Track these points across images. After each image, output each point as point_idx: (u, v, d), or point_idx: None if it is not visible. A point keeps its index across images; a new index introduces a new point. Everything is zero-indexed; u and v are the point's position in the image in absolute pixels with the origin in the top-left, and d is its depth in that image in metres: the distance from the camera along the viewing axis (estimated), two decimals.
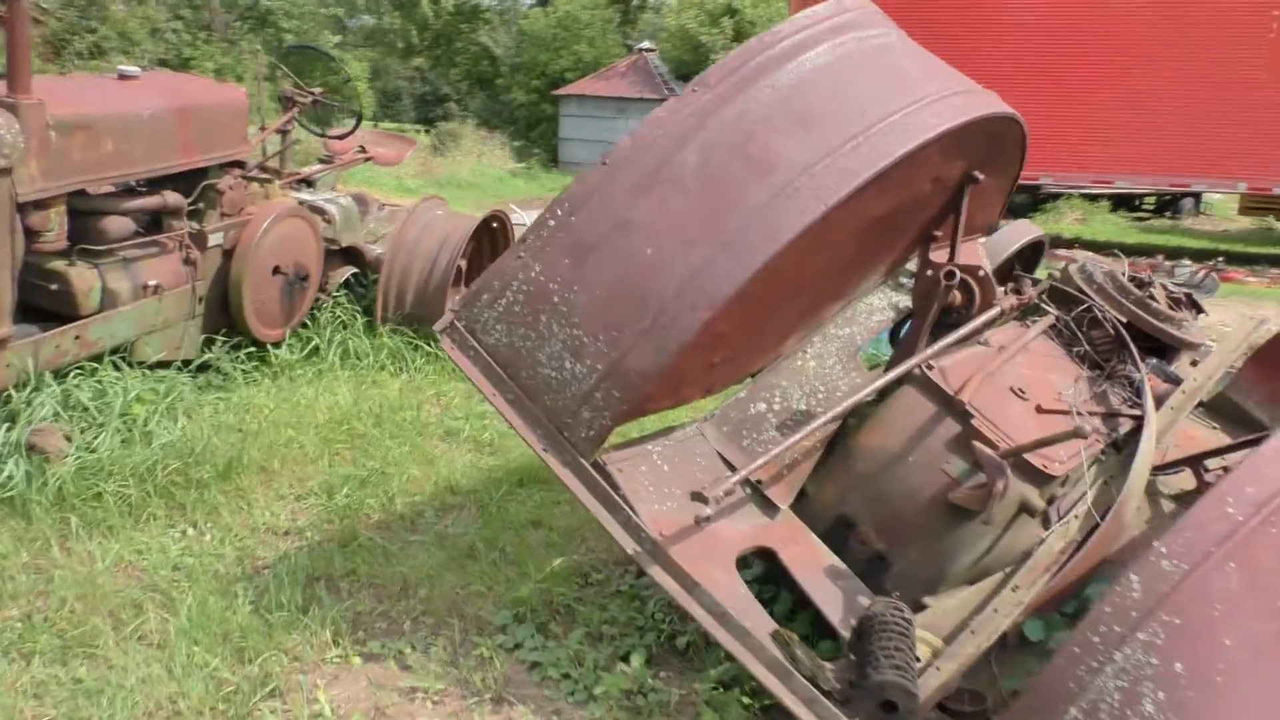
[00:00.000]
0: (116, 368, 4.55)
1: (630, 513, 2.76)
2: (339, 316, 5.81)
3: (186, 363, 4.97)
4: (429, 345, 5.79)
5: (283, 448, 4.40)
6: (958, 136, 2.92)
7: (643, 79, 28.74)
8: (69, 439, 4.06)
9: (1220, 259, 10.18)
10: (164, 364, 4.82)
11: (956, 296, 3.23)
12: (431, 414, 5.12)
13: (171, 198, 4.82)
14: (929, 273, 3.36)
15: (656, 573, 2.70)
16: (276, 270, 5.33)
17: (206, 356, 5.17)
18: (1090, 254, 5.09)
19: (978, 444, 2.83)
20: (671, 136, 2.77)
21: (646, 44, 30.60)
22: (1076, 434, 2.66)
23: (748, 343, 3.11)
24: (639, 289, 2.70)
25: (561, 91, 29.49)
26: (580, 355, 2.75)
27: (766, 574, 3.23)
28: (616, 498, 2.78)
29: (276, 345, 5.51)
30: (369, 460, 4.41)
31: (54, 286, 4.35)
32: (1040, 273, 4.26)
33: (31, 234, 4.12)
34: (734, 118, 2.75)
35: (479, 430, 4.88)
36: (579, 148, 29.22)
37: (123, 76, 4.77)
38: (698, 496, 2.67)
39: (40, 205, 4.09)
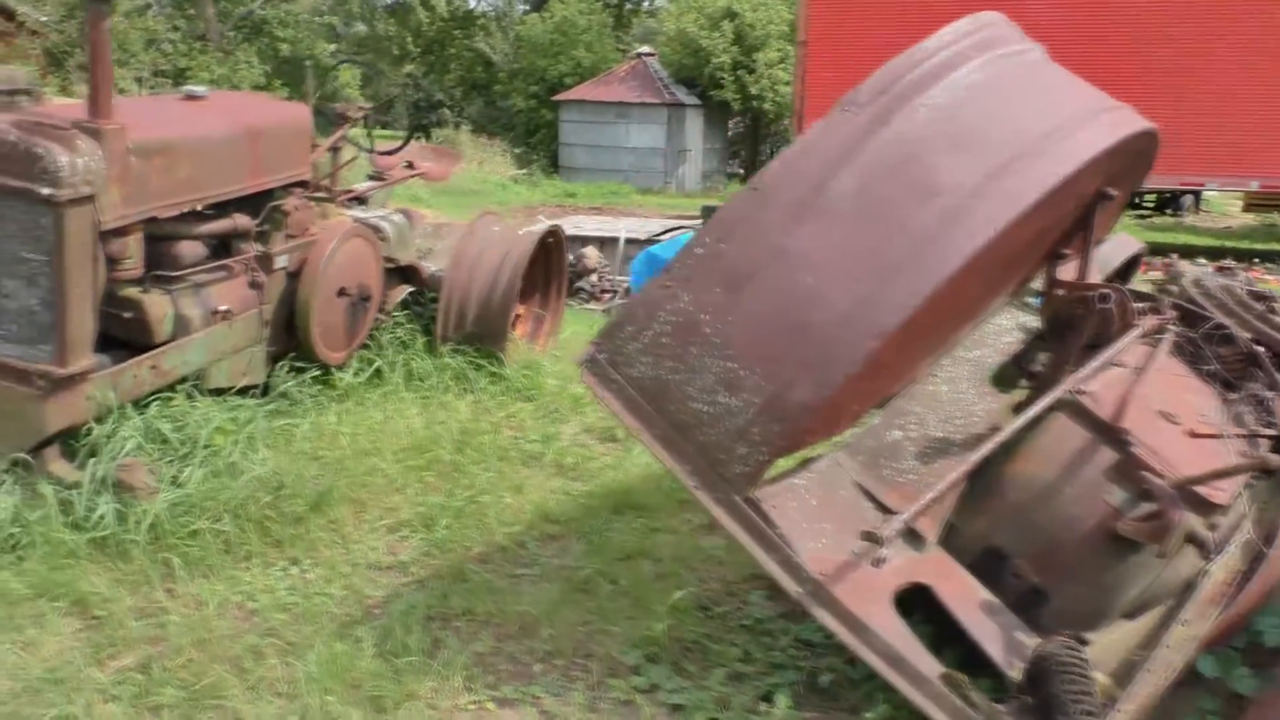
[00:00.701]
0: (189, 396, 4.43)
1: (789, 552, 2.66)
2: (399, 337, 5.69)
3: (251, 388, 4.85)
4: (491, 364, 5.68)
5: (367, 476, 4.27)
6: (1108, 154, 2.83)
7: (643, 83, 28.69)
8: (152, 473, 3.94)
9: (1256, 260, 10.15)
10: (231, 390, 4.70)
11: (1102, 317, 3.14)
12: (506, 437, 5.00)
13: (241, 220, 4.70)
14: (1061, 292, 3.28)
15: (822, 615, 2.60)
16: (342, 292, 5.21)
17: (271, 381, 5.05)
18: (1188, 264, 5.02)
19: (1146, 474, 2.74)
20: (825, 160, 2.66)
21: (646, 48, 30.54)
22: (1264, 465, 2.57)
23: (897, 370, 3.02)
24: (799, 319, 2.60)
25: (561, 97, 29.41)
26: (735, 388, 2.64)
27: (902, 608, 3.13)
28: (774, 536, 2.67)
29: (340, 368, 5.39)
30: (457, 488, 4.29)
31: (128, 314, 4.22)
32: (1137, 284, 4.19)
33: (110, 262, 3.99)
34: (891, 140, 2.65)
35: (560, 454, 4.77)
36: (580, 153, 29.15)
37: (190, 97, 4.64)
38: (870, 537, 2.57)
39: (120, 233, 3.96)
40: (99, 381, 3.97)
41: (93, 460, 3.85)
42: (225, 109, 4.70)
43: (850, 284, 2.57)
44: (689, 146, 29.03)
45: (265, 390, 5.00)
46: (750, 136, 32.84)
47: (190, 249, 4.48)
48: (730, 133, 32.40)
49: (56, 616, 3.21)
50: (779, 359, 2.61)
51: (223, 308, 4.60)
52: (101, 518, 3.61)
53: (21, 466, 3.83)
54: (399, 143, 6.55)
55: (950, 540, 3.03)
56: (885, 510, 3.01)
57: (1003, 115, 2.74)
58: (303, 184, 5.18)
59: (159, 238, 4.32)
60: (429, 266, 6.06)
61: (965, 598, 2.85)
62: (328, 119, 6.11)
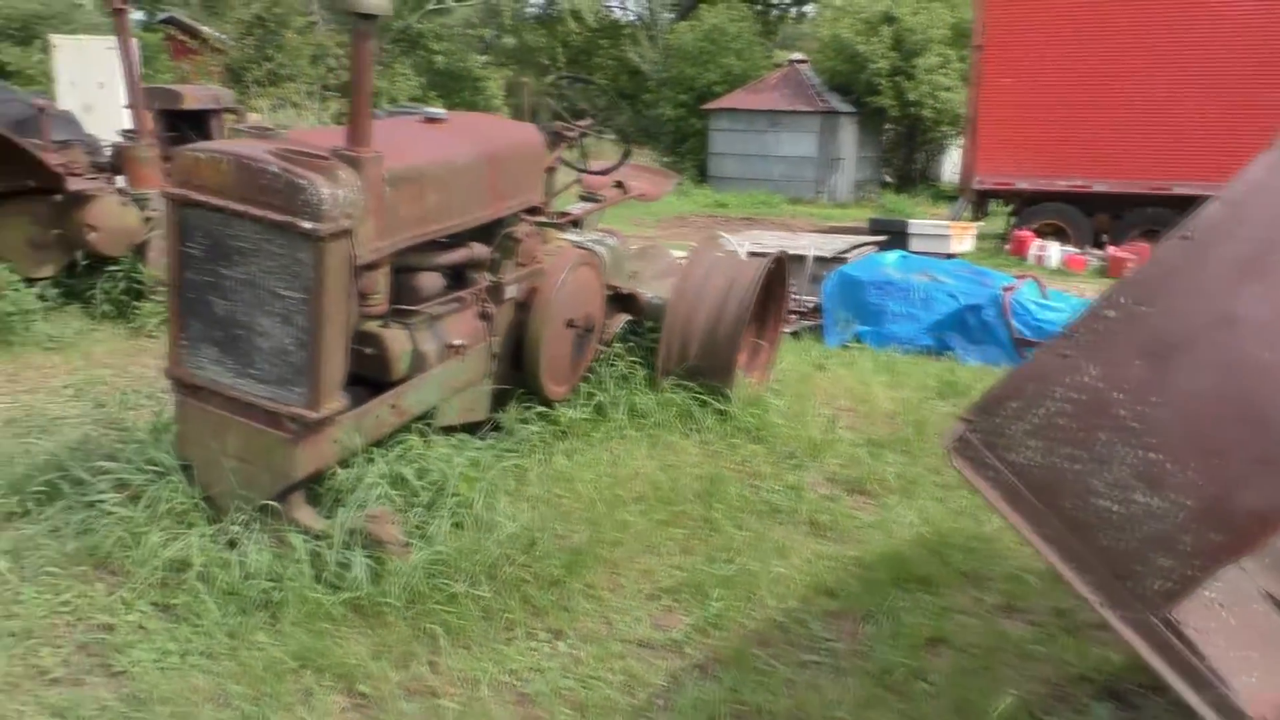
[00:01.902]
0: (423, 436, 4.19)
1: (1225, 691, 2.14)
2: (619, 370, 5.35)
3: (476, 425, 4.60)
4: (716, 401, 5.28)
5: (616, 533, 3.92)
6: None
7: (795, 91, 28.00)
8: (396, 523, 3.67)
9: None
10: (456, 428, 4.45)
11: None
12: (746, 485, 4.59)
13: (478, 249, 4.44)
14: None
15: None
16: (570, 323, 4.90)
17: (495, 417, 4.78)
18: None
19: None
20: None
21: (798, 55, 29.86)
22: None
23: None
24: (1252, 404, 2.08)
25: (711, 105, 28.99)
26: (1159, 485, 2.14)
27: None
28: (1204, 670, 2.15)
29: (561, 402, 5.08)
30: (715, 550, 3.89)
31: (367, 350, 3.99)
32: None
33: (360, 298, 3.76)
34: None
35: (815, 510, 4.32)
36: (730, 162, 28.70)
37: (429, 120, 4.41)
38: None
39: (371, 266, 3.73)
40: (344, 424, 3.74)
41: (340, 509, 3.62)
42: (466, 133, 4.45)
43: None
44: (842, 155, 28.20)
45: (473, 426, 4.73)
46: (905, 144, 31.75)
47: (430, 281, 4.24)
48: (883, 140, 31.38)
49: (324, 693, 2.95)
50: (1223, 452, 2.09)
51: (457, 341, 4.33)
52: (355, 577, 3.35)
53: (269, 514, 3.64)
54: (612, 162, 6.24)
55: None
56: None
57: None
58: (533, 210, 4.90)
59: (400, 269, 4.08)
60: (646, 294, 5.71)
61: None
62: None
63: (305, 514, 3.69)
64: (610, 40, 40.16)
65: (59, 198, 7.02)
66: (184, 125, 8.51)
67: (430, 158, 4.00)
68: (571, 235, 5.67)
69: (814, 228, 21.39)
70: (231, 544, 3.59)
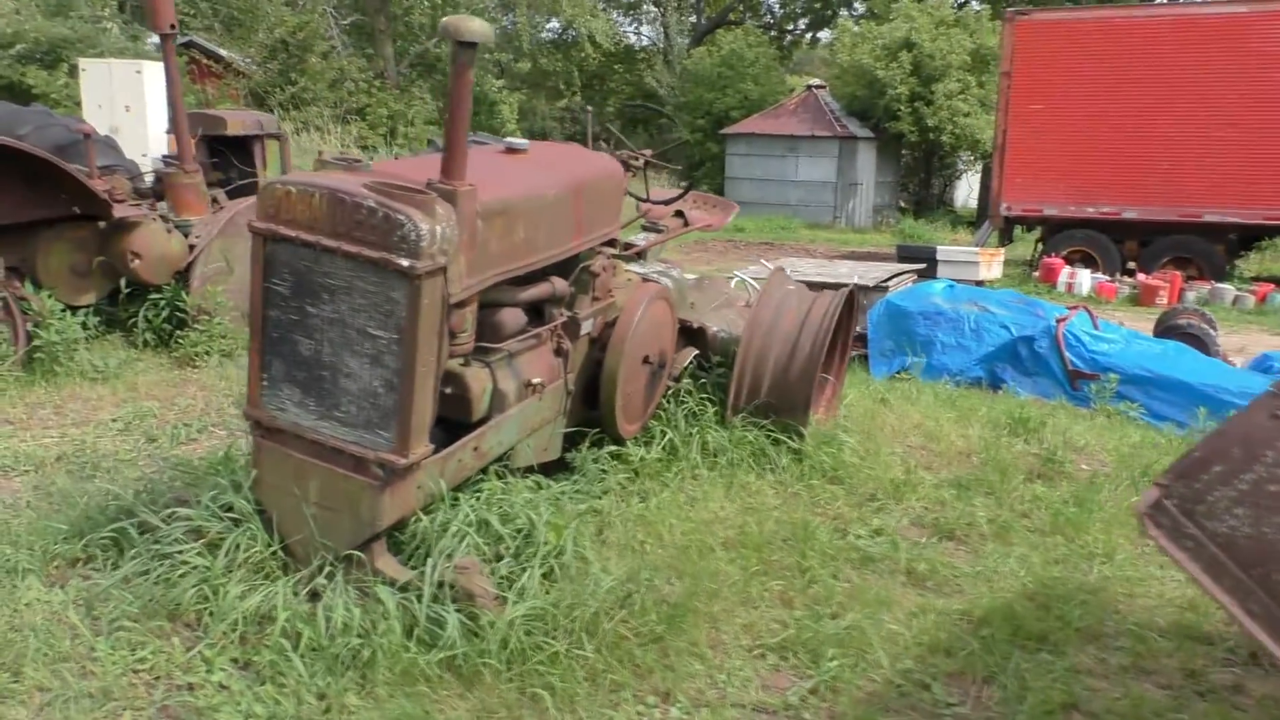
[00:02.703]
0: (501, 478, 4.01)
1: None
2: (690, 407, 5.17)
3: (543, 466, 4.42)
4: (789, 440, 5.09)
5: (710, 583, 3.73)
6: None
7: (814, 117, 27.98)
8: (483, 574, 3.49)
9: None
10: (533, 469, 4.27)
11: None
12: (830, 529, 4.39)
13: (559, 284, 4.28)
14: None
15: None
16: (645, 359, 4.73)
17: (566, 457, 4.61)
18: None
19: None
20: None
21: (816, 81, 29.87)
22: None
23: None
24: None
25: (729, 130, 28.99)
26: None
27: None
28: None
29: (632, 440, 4.90)
30: (817, 604, 3.70)
31: (447, 389, 3.81)
32: None
33: (450, 337, 3.59)
34: None
35: (910, 559, 4.12)
36: (747, 187, 28.64)
37: (510, 150, 4.26)
38: None
39: (461, 304, 3.56)
40: (429, 468, 3.56)
41: (426, 558, 3.44)
42: (551, 163, 4.29)
43: None
44: (860, 180, 28.15)
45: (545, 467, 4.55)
46: (922, 169, 31.71)
47: (513, 317, 4.07)
48: (900, 166, 31.34)
49: None
50: None
51: (535, 380, 4.16)
52: (450, 636, 3.16)
53: (352, 563, 3.46)
54: (675, 191, 6.09)
55: None
56: None
57: None
58: (610, 242, 4.74)
59: (482, 305, 3.91)
60: (712, 327, 5.54)
61: None
62: None
63: (389, 564, 3.51)
64: (625, 65, 40.31)
65: (102, 225, 6.88)
66: (227, 151, 8.40)
67: (520, 190, 3.84)
68: (638, 267, 5.52)
69: (834, 253, 21.28)
70: (313, 595, 3.42)
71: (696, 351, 5.49)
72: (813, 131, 27.70)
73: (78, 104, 14.68)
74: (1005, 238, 18.12)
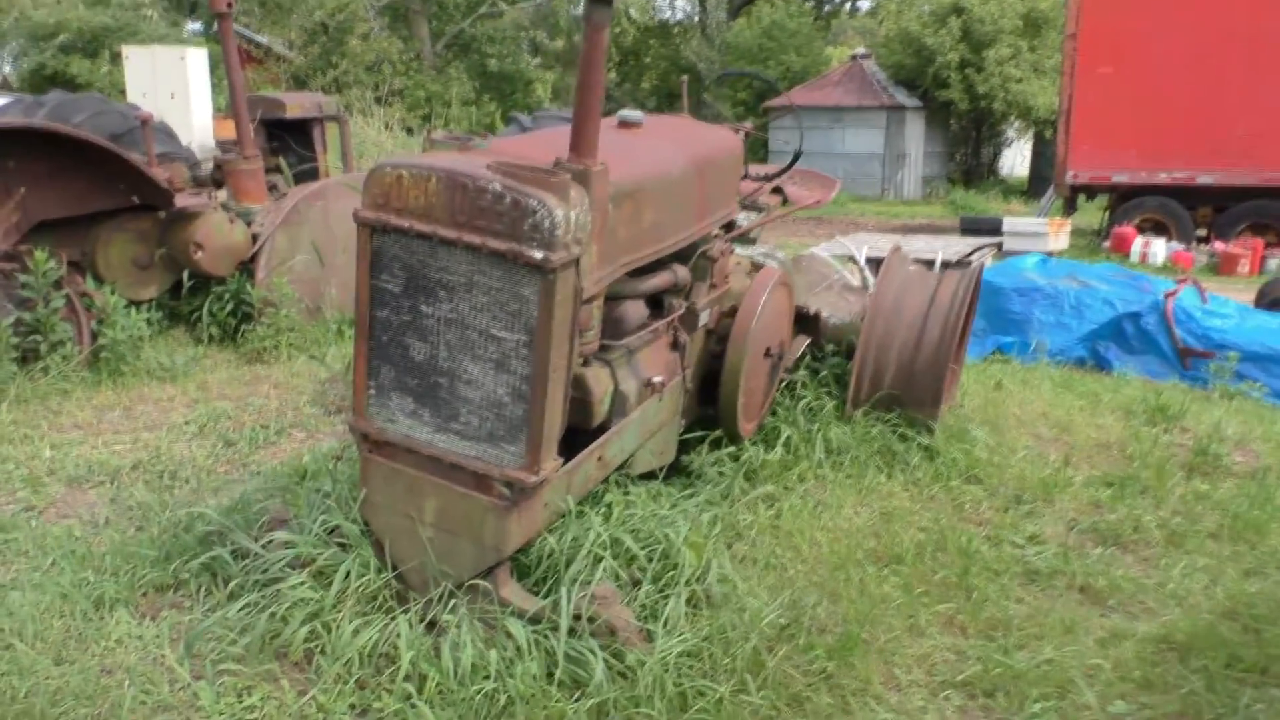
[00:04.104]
0: (622, 488, 3.62)
1: None
2: (806, 400, 4.74)
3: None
4: (917, 435, 4.65)
5: (865, 606, 3.31)
6: None
7: (860, 87, 27.26)
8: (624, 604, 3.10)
9: None
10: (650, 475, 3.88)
11: None
12: (979, 539, 3.96)
13: (680, 273, 3.86)
14: None
15: None
16: (767, 352, 4.31)
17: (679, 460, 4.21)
18: None
19: None
20: None
21: (861, 50, 29.10)
22: None
23: None
24: None
25: (772, 103, 28.29)
26: None
27: None
28: None
29: (749, 440, 4.48)
30: (987, 628, 3.28)
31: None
32: None
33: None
34: None
35: (1085, 573, 3.68)
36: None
37: (624, 124, 3.83)
38: None
39: (589, 299, 3.15)
40: (555, 484, 3.17)
41: (559, 587, 3.05)
42: (671, 139, 3.85)
43: None
44: (908, 151, 27.43)
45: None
46: (972, 138, 30.85)
47: (635, 311, 3.67)
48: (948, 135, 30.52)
49: None
50: None
51: (656, 379, 3.74)
52: (598, 680, 2.77)
53: (477, 593, 3.08)
54: (779, 165, 5.64)
55: None
56: None
57: None
58: (729, 225, 4.31)
59: (606, 299, 3.50)
60: (824, 313, 5.10)
61: None
62: None
63: (516, 592, 3.12)
64: (660, 40, 39.62)
65: (162, 215, 6.55)
66: (286, 135, 8.04)
67: (647, 169, 3.41)
68: (745, 250, 5.08)
69: (886, 226, 20.69)
70: (429, 625, 3.05)
71: (809, 340, 5.05)
72: (859, 102, 27.03)
73: (121, 92, 14.44)
74: (1070, 207, 17.42)
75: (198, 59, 15.36)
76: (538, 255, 2.76)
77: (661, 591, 3.14)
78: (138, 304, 6.35)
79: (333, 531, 3.26)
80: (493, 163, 2.87)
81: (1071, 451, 4.99)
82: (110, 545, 3.72)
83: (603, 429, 3.50)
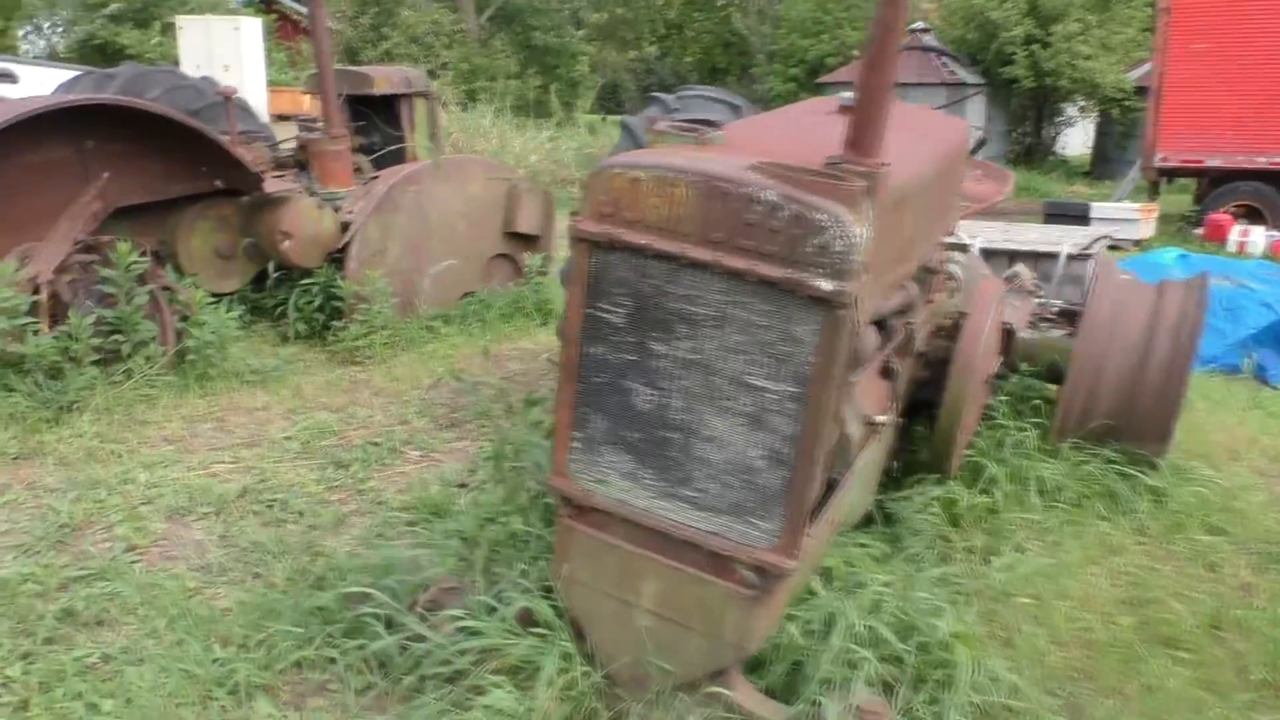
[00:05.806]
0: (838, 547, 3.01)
1: None
2: (1009, 429, 4.10)
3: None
4: (1141, 473, 4.00)
5: (1134, 699, 2.69)
6: None
7: (919, 63, 26.20)
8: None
9: None
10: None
11: None
12: (1244, 605, 3.31)
13: (913, 290, 3.21)
14: None
15: None
16: (987, 379, 3.67)
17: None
18: None
19: None
20: None
21: (920, 24, 28.08)
22: None
23: None
24: None
25: (826, 79, 27.37)
26: None
27: None
28: None
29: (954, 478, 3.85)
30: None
31: None
32: None
33: None
34: None
35: None
36: None
37: (847, 109, 3.16)
38: None
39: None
40: (814, 548, 2.55)
41: (802, 690, 2.45)
42: (910, 129, 3.19)
43: None
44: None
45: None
46: (1032, 116, 29.79)
47: (872, 339, 3.02)
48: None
49: None
50: None
51: (878, 418, 3.10)
52: None
53: (703, 696, 2.48)
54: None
55: None
56: None
57: None
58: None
59: None
60: (1017, 329, 4.44)
61: None
62: None
63: (755, 699, 2.52)
64: (705, 13, 38.65)
65: (245, 200, 5.97)
66: (372, 113, 7.42)
67: (907, 170, 2.76)
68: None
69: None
70: None
71: (1001, 358, 4.39)
72: (919, 78, 26.02)
73: (174, 63, 13.87)
74: (1154, 191, 16.53)
75: (252, 29, 14.81)
76: (825, 286, 2.13)
77: (928, 701, 2.52)
78: (219, 297, 5.78)
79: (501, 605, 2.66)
80: (758, 163, 2.24)
81: None
82: (235, 605, 3.16)
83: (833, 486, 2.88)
